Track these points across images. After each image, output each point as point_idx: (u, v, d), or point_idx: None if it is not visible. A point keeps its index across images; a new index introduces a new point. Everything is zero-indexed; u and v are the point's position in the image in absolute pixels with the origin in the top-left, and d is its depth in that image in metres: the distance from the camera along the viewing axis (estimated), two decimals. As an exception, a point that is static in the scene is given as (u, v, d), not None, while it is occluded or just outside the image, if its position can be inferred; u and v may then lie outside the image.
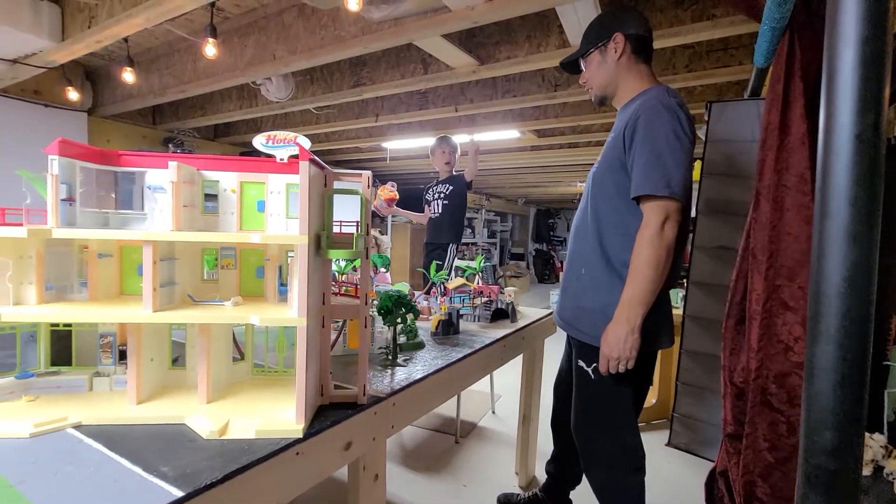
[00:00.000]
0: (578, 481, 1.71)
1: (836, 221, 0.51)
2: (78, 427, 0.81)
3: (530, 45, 2.34)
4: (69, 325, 0.97)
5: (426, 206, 3.32)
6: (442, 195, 3.23)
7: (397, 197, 3.14)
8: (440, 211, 3.23)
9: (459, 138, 4.15)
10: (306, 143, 0.91)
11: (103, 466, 0.70)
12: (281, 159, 0.95)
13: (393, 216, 7.05)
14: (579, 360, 1.35)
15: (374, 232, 2.97)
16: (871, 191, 0.50)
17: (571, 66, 1.45)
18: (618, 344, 1.18)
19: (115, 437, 0.78)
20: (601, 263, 1.29)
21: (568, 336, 1.52)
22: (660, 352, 2.94)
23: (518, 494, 1.86)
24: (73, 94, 3.29)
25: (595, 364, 1.28)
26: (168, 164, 0.89)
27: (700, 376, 2.32)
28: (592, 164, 1.69)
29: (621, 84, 1.33)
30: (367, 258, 0.97)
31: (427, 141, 4.62)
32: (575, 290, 1.38)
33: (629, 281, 1.19)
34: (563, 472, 1.71)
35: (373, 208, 3.09)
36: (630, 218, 1.24)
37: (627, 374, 1.25)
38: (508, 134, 4.12)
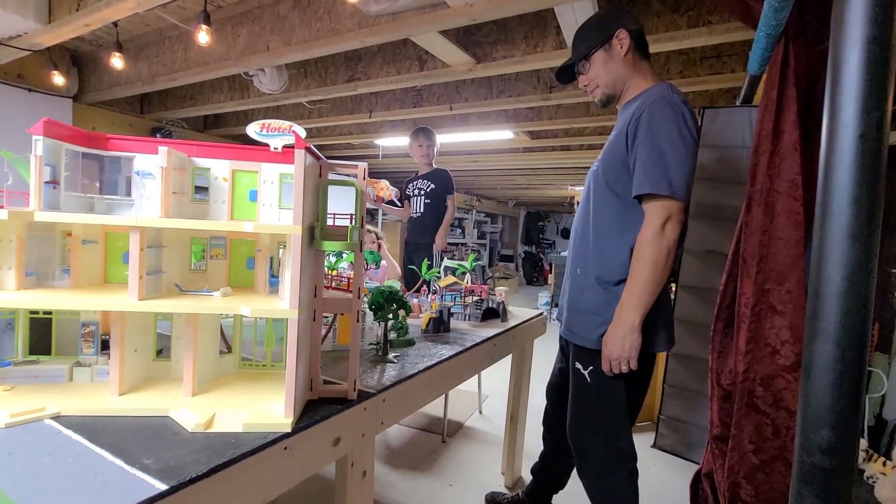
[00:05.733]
0: (563, 485, 1.70)
1: (837, 220, 0.52)
2: (56, 418, 0.78)
3: (527, 45, 2.34)
4: (49, 312, 0.93)
5: (406, 202, 3.19)
6: (423, 192, 3.09)
7: (385, 200, 3.07)
8: (421, 210, 3.09)
9: (449, 137, 4.09)
10: (301, 132, 0.90)
11: (83, 458, 0.67)
12: (275, 148, 0.93)
13: (384, 214, 7.00)
14: (576, 363, 1.34)
15: (374, 228, 2.92)
16: (873, 190, 0.50)
17: (566, 75, 1.43)
18: (616, 344, 1.18)
19: (95, 429, 0.75)
20: (596, 263, 1.29)
21: (562, 339, 1.51)
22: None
23: (504, 494, 1.85)
24: (58, 79, 3.20)
25: (591, 367, 1.28)
26: (158, 150, 0.86)
27: (687, 379, 2.35)
28: (585, 168, 1.69)
29: (628, 82, 1.31)
30: (360, 251, 0.96)
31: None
32: (570, 291, 1.38)
33: (629, 281, 1.19)
34: (548, 473, 1.70)
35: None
36: (629, 217, 1.23)
37: (622, 377, 1.24)
38: (502, 134, 4.13)
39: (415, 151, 3.14)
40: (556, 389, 1.59)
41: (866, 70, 0.50)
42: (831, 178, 0.53)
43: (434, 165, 3.19)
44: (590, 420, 1.34)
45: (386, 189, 2.95)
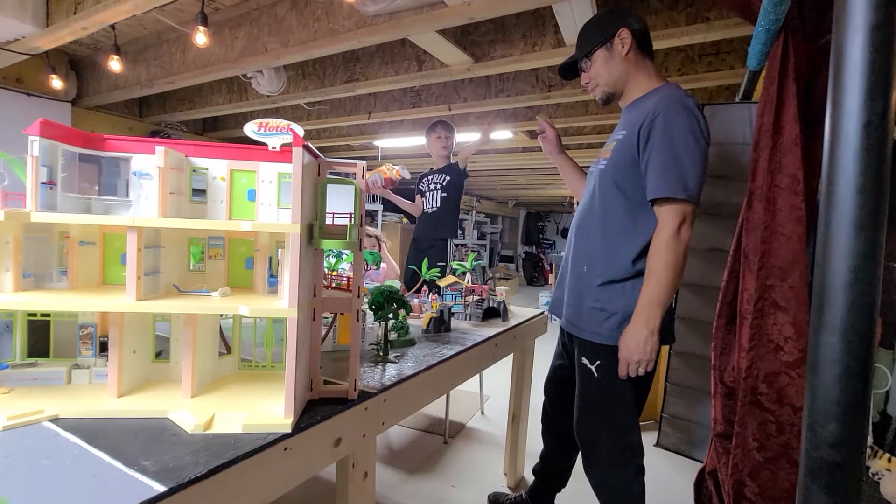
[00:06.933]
0: (564, 484, 1.69)
1: (842, 211, 0.51)
2: (55, 420, 0.78)
3: (525, 44, 2.34)
4: (47, 314, 0.93)
5: (419, 196, 3.00)
6: (439, 186, 2.88)
7: (396, 181, 2.89)
8: (438, 205, 2.87)
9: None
10: (299, 131, 0.89)
11: (81, 460, 0.66)
12: (273, 147, 0.93)
13: (383, 215, 6.99)
14: (582, 358, 1.33)
15: (374, 230, 2.87)
16: (878, 180, 0.49)
17: (568, 72, 1.44)
18: (638, 347, 1.17)
19: (94, 431, 0.75)
20: (606, 262, 1.28)
21: (564, 334, 1.50)
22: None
23: (507, 495, 1.85)
24: (56, 83, 3.20)
25: (598, 362, 1.28)
26: (155, 150, 0.86)
27: (689, 377, 2.34)
28: (584, 167, 1.68)
29: (629, 80, 1.32)
30: (359, 250, 0.95)
31: (420, 140, 4.59)
32: (575, 287, 1.37)
33: (647, 283, 1.18)
34: (550, 473, 1.69)
35: (367, 180, 2.85)
36: (637, 216, 1.23)
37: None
38: (501, 134, 4.12)
39: (434, 144, 2.94)
40: (555, 385, 1.59)
41: (870, 58, 0.50)
42: (836, 168, 0.52)
43: (451, 160, 2.99)
44: (597, 415, 1.33)
45: (392, 168, 2.76)
